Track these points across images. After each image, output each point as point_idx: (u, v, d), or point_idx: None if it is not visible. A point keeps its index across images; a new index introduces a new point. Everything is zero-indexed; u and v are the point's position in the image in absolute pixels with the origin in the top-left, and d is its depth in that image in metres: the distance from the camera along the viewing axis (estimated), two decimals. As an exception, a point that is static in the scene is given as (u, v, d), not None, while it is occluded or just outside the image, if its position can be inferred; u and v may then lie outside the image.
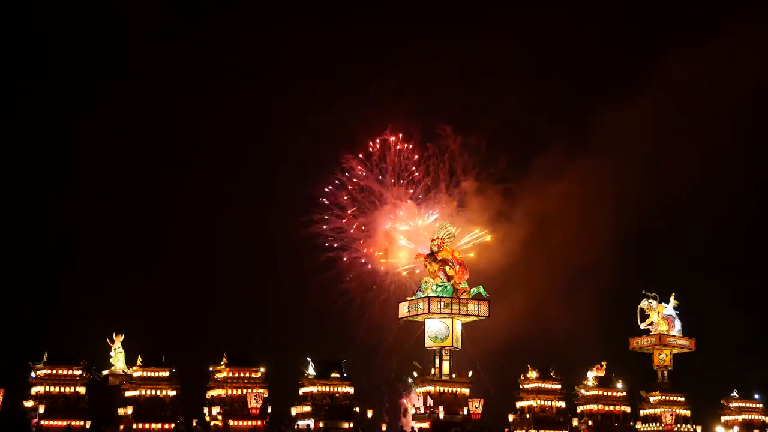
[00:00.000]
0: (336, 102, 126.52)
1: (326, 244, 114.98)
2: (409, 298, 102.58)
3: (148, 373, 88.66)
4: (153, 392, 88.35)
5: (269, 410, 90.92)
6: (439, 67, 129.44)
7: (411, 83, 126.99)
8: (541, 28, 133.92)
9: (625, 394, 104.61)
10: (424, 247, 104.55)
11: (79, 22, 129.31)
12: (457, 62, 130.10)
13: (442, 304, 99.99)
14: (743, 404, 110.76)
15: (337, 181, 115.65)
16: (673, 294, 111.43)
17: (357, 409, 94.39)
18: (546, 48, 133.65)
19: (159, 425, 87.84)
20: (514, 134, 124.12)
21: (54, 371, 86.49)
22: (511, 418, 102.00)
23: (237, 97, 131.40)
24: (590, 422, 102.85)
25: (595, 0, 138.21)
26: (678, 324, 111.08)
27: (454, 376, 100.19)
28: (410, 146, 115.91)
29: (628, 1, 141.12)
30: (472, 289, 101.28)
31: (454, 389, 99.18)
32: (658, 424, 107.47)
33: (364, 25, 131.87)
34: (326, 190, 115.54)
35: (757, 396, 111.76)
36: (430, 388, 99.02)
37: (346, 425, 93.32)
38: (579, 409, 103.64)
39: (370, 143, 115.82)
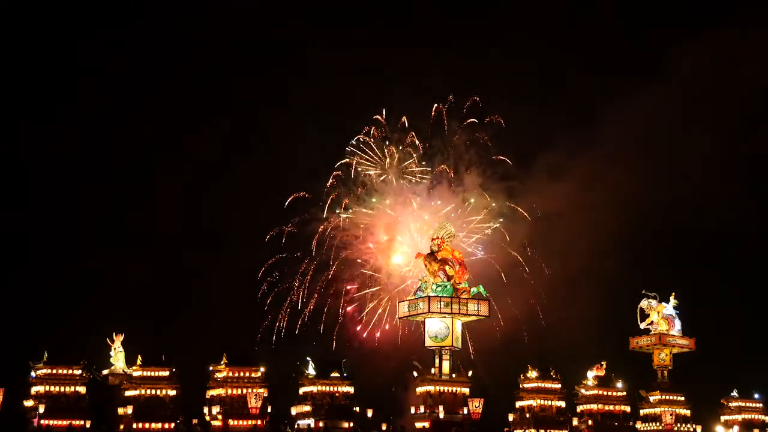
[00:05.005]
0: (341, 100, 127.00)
1: (326, 243, 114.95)
2: (409, 298, 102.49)
3: (148, 373, 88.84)
4: (153, 392, 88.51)
5: (269, 410, 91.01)
6: (442, 64, 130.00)
7: (416, 78, 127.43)
8: (543, 27, 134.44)
9: (625, 393, 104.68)
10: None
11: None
12: (463, 59, 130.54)
13: (442, 303, 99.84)
14: (743, 404, 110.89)
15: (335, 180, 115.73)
16: (673, 294, 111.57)
17: (357, 409, 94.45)
18: (548, 48, 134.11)
19: (159, 425, 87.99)
20: (519, 132, 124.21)
21: (54, 371, 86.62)
22: (511, 417, 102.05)
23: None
24: (590, 422, 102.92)
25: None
26: (678, 324, 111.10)
27: (454, 375, 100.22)
28: (415, 141, 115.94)
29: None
30: (472, 289, 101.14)
31: (454, 389, 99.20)
32: (658, 424, 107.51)
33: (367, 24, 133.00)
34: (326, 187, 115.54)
35: (757, 396, 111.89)
36: (430, 388, 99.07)
37: (346, 425, 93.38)
38: (579, 408, 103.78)
39: (373, 140, 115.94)
